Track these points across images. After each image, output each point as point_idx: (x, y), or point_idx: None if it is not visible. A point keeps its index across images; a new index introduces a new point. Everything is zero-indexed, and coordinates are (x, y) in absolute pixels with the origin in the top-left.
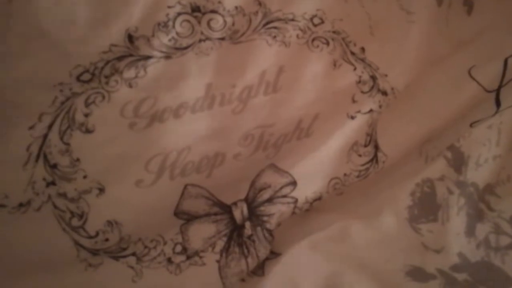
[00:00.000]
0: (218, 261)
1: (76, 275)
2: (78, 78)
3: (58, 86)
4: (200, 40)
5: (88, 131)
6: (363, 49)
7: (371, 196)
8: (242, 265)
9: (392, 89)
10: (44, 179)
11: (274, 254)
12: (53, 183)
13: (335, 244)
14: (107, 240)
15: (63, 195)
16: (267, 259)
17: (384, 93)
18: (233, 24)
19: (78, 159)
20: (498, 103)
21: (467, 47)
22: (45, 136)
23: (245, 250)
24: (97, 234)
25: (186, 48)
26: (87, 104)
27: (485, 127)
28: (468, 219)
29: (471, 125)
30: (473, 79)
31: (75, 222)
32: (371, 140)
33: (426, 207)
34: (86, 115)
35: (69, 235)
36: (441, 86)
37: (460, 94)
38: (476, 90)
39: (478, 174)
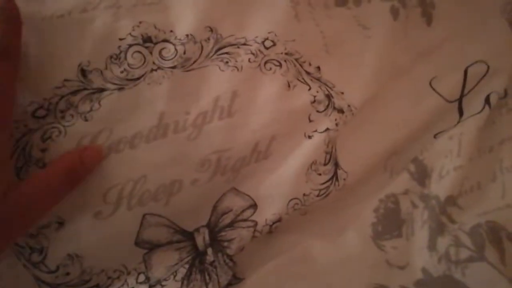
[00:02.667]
0: None
1: None
2: (33, 115)
3: (13, 123)
4: (152, 70)
5: (45, 166)
6: (318, 68)
7: (335, 215)
8: None
9: (349, 106)
10: None
11: (237, 279)
12: None
13: (299, 265)
14: (68, 274)
15: None
16: (229, 284)
17: (341, 111)
18: (184, 52)
19: None
20: (460, 112)
21: (427, 58)
22: None
23: (207, 277)
24: (57, 268)
25: (138, 78)
26: (43, 140)
27: (447, 138)
28: (430, 232)
29: (435, 137)
30: (434, 90)
31: (35, 257)
32: (331, 158)
33: (390, 223)
34: (43, 151)
35: (29, 271)
36: (402, 99)
37: (422, 106)
38: (437, 101)
39: (440, 186)
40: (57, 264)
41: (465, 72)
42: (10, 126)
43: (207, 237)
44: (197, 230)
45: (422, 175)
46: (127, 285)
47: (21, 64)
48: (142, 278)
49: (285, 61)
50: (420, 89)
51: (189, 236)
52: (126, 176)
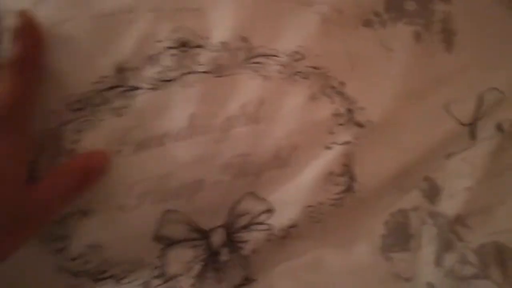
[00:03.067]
0: (193, 285)
1: None
2: (69, 107)
3: (49, 113)
4: (186, 73)
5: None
6: (342, 83)
7: (347, 225)
8: None
9: (369, 121)
10: None
11: (248, 280)
12: None
13: (309, 272)
14: (87, 262)
15: None
16: (242, 285)
17: (360, 126)
18: (218, 59)
19: None
20: (473, 136)
21: (445, 83)
22: (35, 161)
23: (221, 276)
24: (78, 256)
25: (172, 80)
26: (76, 132)
27: (459, 159)
28: (438, 248)
29: (447, 157)
30: (450, 113)
31: (58, 244)
32: (347, 170)
33: (399, 236)
34: (74, 142)
35: (50, 257)
36: (419, 120)
37: (437, 128)
38: (452, 124)
39: (450, 205)
40: (79, 252)
41: (481, 97)
42: (29, 131)
43: (223, 237)
44: (214, 229)
45: (433, 193)
46: (142, 278)
47: (63, 57)
48: (157, 272)
49: (312, 74)
50: (436, 112)
51: (206, 234)
52: (152, 172)
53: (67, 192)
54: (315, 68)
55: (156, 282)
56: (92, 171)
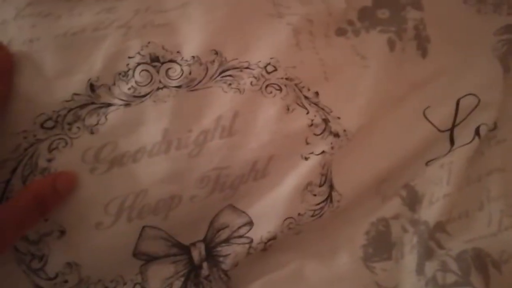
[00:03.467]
0: None
1: None
2: (41, 126)
3: (22, 133)
4: (158, 88)
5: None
6: (317, 94)
7: (328, 235)
8: None
9: (345, 131)
10: None
11: None
12: None
13: (290, 284)
14: (66, 281)
15: (25, 237)
16: None
17: (336, 135)
18: (190, 73)
19: None
20: (452, 142)
21: (421, 89)
22: (8, 181)
23: None
24: (56, 275)
25: (144, 96)
26: (50, 150)
27: (438, 166)
28: (419, 257)
29: (426, 164)
30: (427, 119)
31: (35, 264)
32: (326, 180)
33: (381, 245)
34: (49, 160)
35: (28, 277)
36: (396, 127)
37: (415, 134)
38: (430, 130)
39: (429, 212)
40: (56, 271)
41: (457, 103)
42: None
43: (203, 252)
44: (194, 244)
45: (413, 200)
46: None
47: (33, 76)
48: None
49: (285, 85)
50: (413, 118)
51: (186, 250)
52: (128, 189)
53: (20, 217)
54: (288, 79)
55: None
56: (50, 197)
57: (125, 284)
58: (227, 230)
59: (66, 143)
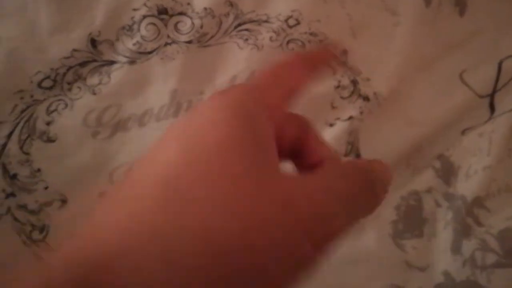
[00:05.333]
0: None
1: None
2: (39, 85)
3: (18, 93)
4: (166, 44)
5: (50, 140)
6: (344, 52)
7: None
8: None
9: (375, 94)
10: (3, 190)
11: None
12: (12, 194)
13: None
14: None
15: (24, 207)
16: None
17: (366, 99)
18: (201, 27)
19: (39, 170)
20: (492, 109)
21: (458, 50)
22: (4, 146)
23: None
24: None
25: (151, 52)
26: (48, 112)
27: (476, 135)
28: (455, 235)
29: (462, 133)
30: (465, 83)
31: (36, 235)
32: (352, 149)
33: (412, 221)
34: (48, 124)
35: (30, 248)
36: (430, 92)
37: (451, 99)
38: (468, 96)
39: (467, 186)
40: (59, 243)
41: (499, 66)
42: None
43: None
44: None
45: (447, 173)
46: None
47: (28, 32)
48: None
49: (308, 41)
50: (449, 82)
51: None
52: (134, 155)
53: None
54: (312, 34)
55: None
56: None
57: None
58: None
59: (66, 105)
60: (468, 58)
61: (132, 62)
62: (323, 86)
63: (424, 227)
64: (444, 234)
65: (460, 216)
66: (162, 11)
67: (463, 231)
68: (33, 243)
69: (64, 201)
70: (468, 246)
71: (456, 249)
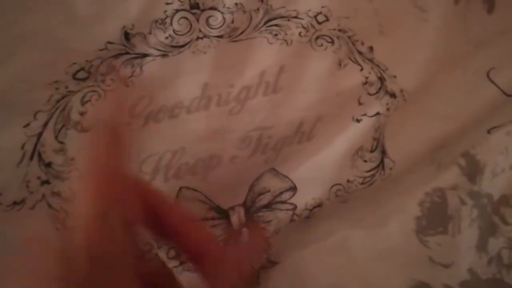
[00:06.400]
0: None
1: None
2: (74, 76)
3: (53, 84)
4: (198, 38)
5: (84, 130)
6: (371, 48)
7: (377, 205)
8: None
9: (402, 91)
10: (38, 177)
11: (270, 263)
12: (47, 182)
13: (336, 255)
14: None
15: (58, 194)
16: (262, 267)
17: (393, 95)
18: (232, 22)
19: (73, 158)
20: None
21: (486, 48)
22: (40, 135)
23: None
24: None
25: (183, 46)
26: (83, 103)
27: (504, 133)
28: (480, 232)
29: (488, 132)
30: (492, 82)
31: (69, 222)
32: (378, 145)
33: (436, 218)
34: (82, 114)
35: (62, 235)
36: (457, 89)
37: (477, 97)
38: (495, 94)
39: (493, 184)
40: None
41: None
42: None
43: (242, 217)
44: (233, 208)
45: (473, 170)
46: (158, 259)
47: (65, 23)
48: (172, 253)
49: (337, 37)
50: (476, 80)
51: (224, 214)
52: (164, 146)
53: None
54: (340, 31)
55: (173, 263)
56: None
57: (159, 247)
58: (268, 195)
59: (100, 96)
60: (496, 57)
61: (164, 55)
62: (351, 82)
63: (449, 224)
64: (469, 232)
65: (486, 214)
66: (194, 6)
67: (489, 229)
68: (66, 230)
69: None
70: (495, 244)
71: (481, 247)
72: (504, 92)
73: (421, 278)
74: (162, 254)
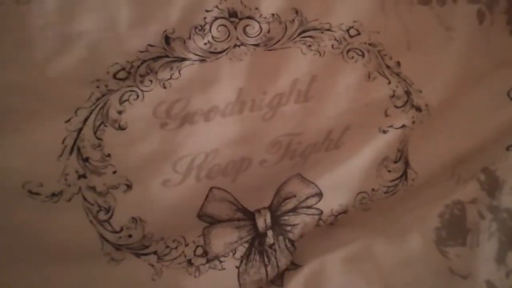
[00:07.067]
0: (237, 267)
1: (99, 268)
2: (114, 76)
3: (95, 82)
4: (235, 46)
5: (121, 128)
6: (398, 63)
7: (399, 215)
8: (262, 274)
9: (426, 105)
10: (76, 171)
11: (294, 266)
12: (84, 176)
13: (359, 261)
14: (130, 236)
15: (93, 188)
16: (287, 269)
17: (418, 109)
18: (268, 31)
19: (109, 155)
20: None
21: (507, 67)
22: (80, 130)
23: (266, 259)
24: (121, 229)
25: (220, 52)
26: (121, 102)
27: None
28: (500, 245)
29: (507, 149)
30: None
31: (102, 215)
32: (402, 156)
33: (455, 230)
34: (120, 112)
35: (95, 227)
36: (479, 106)
37: (498, 115)
38: None
39: None
40: (122, 225)
41: None
42: None
43: (268, 219)
44: (259, 211)
45: (492, 186)
46: (185, 256)
47: (108, 24)
48: (200, 251)
49: (368, 51)
50: (497, 98)
51: (250, 215)
52: (199, 147)
53: None
54: (371, 45)
55: (199, 261)
56: None
57: (187, 245)
58: (294, 200)
59: (138, 96)
60: None
61: (202, 60)
62: (379, 94)
63: (467, 237)
64: (488, 245)
65: (506, 228)
66: (233, 14)
67: (508, 242)
68: (98, 223)
69: (129, 186)
70: None
71: (500, 259)
72: None
73: (441, 287)
74: (189, 251)
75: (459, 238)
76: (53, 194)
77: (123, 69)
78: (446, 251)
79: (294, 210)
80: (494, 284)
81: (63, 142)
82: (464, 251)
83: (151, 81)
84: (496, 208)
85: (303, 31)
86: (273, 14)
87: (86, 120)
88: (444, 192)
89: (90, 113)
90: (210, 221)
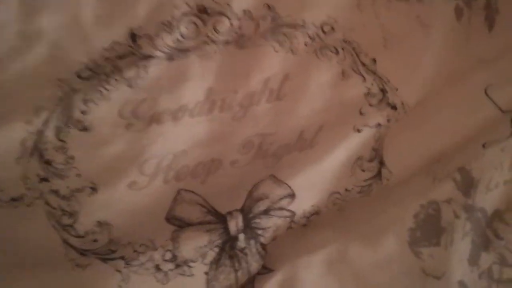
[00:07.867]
0: (206, 273)
1: (63, 274)
2: (78, 75)
3: (57, 81)
4: (205, 43)
5: (85, 129)
6: (374, 60)
7: (373, 215)
8: (231, 279)
9: (402, 103)
10: (37, 175)
11: (266, 270)
12: (46, 179)
13: (332, 264)
14: (95, 241)
15: (56, 192)
16: (258, 274)
17: (394, 108)
18: (239, 28)
19: (72, 157)
20: None
21: (485, 64)
22: (41, 132)
23: (236, 264)
24: (86, 234)
25: (189, 50)
26: (85, 102)
27: (499, 149)
28: (473, 246)
29: (484, 146)
30: (489, 98)
31: (65, 220)
32: (377, 156)
33: (429, 230)
34: (84, 113)
35: (58, 233)
36: (456, 105)
37: (475, 113)
38: (491, 110)
39: (487, 199)
40: (86, 229)
41: None
42: None
43: (240, 222)
44: (231, 213)
45: (467, 185)
46: (153, 261)
47: (70, 21)
48: (168, 255)
49: (342, 49)
50: (475, 96)
51: (222, 218)
52: (166, 148)
53: None
54: (346, 42)
55: (168, 266)
56: None
57: (155, 249)
58: (266, 201)
59: (102, 96)
60: (495, 74)
61: (170, 58)
62: (353, 92)
63: (442, 237)
64: (461, 245)
65: (479, 228)
66: (202, 10)
67: (482, 243)
68: (62, 228)
69: (94, 189)
70: (487, 258)
71: (473, 260)
72: (500, 109)
73: None
74: (157, 255)
75: (433, 238)
76: (13, 199)
77: (87, 67)
78: (419, 252)
79: (266, 212)
80: (466, 284)
81: (22, 144)
82: (438, 251)
83: (116, 80)
84: (471, 207)
85: (276, 28)
86: (244, 10)
87: (47, 121)
88: (420, 191)
89: (52, 114)
90: (180, 224)
